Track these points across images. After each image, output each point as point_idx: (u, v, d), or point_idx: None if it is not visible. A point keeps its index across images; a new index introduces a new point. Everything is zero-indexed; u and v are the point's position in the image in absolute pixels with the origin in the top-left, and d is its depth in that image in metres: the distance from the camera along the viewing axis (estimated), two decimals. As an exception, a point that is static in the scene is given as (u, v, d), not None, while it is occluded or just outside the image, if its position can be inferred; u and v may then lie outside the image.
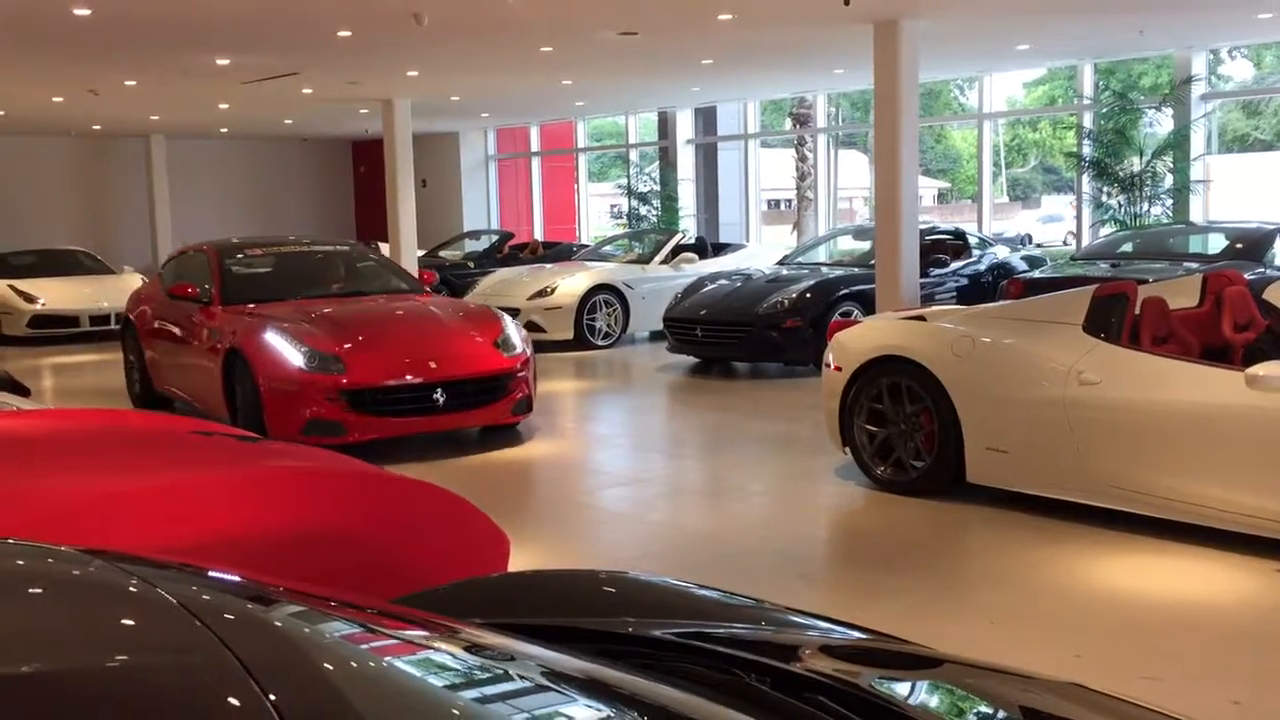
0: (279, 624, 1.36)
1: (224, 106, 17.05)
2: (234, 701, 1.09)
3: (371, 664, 1.34)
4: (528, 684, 1.39)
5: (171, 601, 1.29)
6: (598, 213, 25.93)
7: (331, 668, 1.23)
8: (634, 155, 21.92)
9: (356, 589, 2.06)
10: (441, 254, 17.86)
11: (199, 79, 13.55)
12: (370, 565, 2.62)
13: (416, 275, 10.01)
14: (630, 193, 20.29)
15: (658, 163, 20.80)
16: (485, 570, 2.73)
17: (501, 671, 1.41)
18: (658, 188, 20.08)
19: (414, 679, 1.33)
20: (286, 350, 7.38)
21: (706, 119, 21.08)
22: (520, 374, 7.81)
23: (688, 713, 1.43)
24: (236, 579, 1.55)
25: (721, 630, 1.90)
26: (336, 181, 25.67)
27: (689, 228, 18.45)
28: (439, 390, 7.38)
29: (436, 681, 1.34)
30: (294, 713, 1.06)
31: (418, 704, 1.23)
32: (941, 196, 34.27)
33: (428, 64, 13.23)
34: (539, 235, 21.50)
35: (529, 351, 8.02)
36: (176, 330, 8.72)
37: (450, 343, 7.73)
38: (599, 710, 1.36)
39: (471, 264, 16.52)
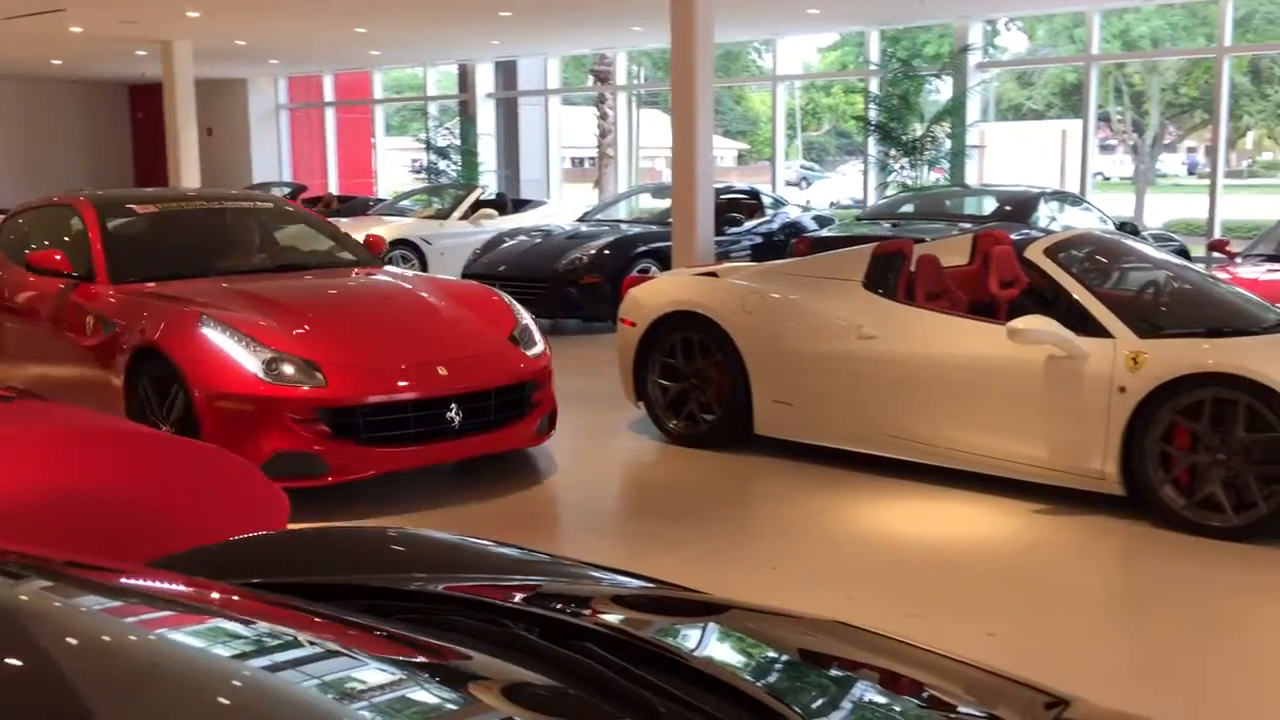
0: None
1: (-18, 43, 15.77)
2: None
3: (108, 633, 1.27)
4: (271, 641, 1.34)
5: None
6: (396, 167, 25.31)
7: (50, 636, 1.15)
8: (433, 109, 21.46)
9: (115, 551, 1.96)
10: (229, 206, 17.10)
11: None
12: (131, 526, 2.49)
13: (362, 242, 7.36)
14: (429, 147, 19.89)
15: (458, 117, 20.44)
16: (263, 530, 2.63)
17: (240, 631, 1.36)
18: (458, 142, 19.75)
19: (144, 643, 1.27)
20: (236, 352, 5.30)
21: (507, 74, 20.82)
22: (546, 378, 6.05)
23: (451, 663, 1.42)
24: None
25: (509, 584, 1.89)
26: (112, 128, 24.14)
27: (489, 183, 18.24)
28: (454, 407, 5.47)
29: (188, 645, 1.28)
30: None
31: (145, 670, 1.17)
32: (741, 158, 34.95)
33: (210, 4, 12.56)
34: (334, 189, 20.85)
35: (549, 347, 6.27)
36: (38, 316, 6.56)
37: (460, 339, 5.82)
38: (360, 662, 1.33)
39: (261, 217, 15.88)
